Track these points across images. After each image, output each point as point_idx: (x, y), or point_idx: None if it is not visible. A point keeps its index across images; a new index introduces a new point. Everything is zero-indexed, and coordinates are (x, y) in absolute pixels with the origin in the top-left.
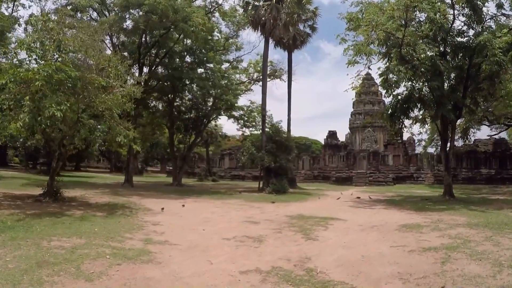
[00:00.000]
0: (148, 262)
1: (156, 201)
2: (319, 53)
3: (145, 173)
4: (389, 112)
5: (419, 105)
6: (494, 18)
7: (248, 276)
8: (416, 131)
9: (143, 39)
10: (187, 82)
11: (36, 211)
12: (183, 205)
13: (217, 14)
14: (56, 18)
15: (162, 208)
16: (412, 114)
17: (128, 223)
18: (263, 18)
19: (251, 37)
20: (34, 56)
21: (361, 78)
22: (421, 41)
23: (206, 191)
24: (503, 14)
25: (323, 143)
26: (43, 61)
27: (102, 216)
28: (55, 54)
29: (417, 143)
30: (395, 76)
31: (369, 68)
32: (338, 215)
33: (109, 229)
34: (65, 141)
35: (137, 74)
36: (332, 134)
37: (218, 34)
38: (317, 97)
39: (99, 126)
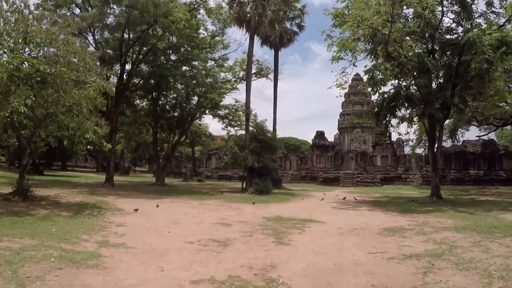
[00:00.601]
0: (93, 267)
1: (131, 201)
2: (309, 54)
3: (133, 173)
4: (375, 111)
5: (406, 104)
6: (483, 15)
7: (198, 287)
8: (403, 131)
9: (126, 35)
10: (171, 80)
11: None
12: (157, 206)
13: (203, 12)
14: (24, 9)
15: (136, 209)
16: (399, 114)
17: (90, 224)
18: (248, 15)
19: (237, 35)
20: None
21: (351, 79)
22: (408, 37)
23: (188, 191)
24: (493, 12)
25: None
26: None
27: (66, 216)
28: (26, 47)
29: (405, 144)
30: (381, 74)
31: (354, 65)
32: (318, 217)
33: (67, 229)
34: (35, 137)
35: (119, 71)
36: (320, 135)
37: (204, 32)
38: (307, 98)
39: (65, 122)
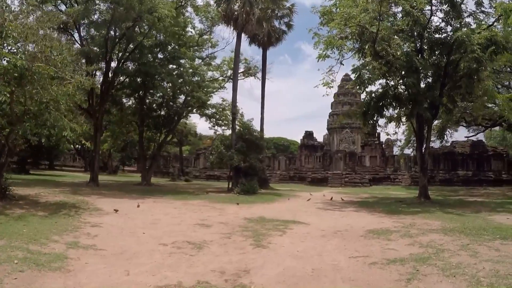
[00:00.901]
0: (56, 269)
1: (113, 201)
2: (300, 54)
3: (121, 173)
4: (362, 110)
5: (394, 103)
6: (473, 15)
7: None
8: (392, 131)
9: (112, 32)
10: (158, 78)
11: None
12: (138, 206)
13: (191, 10)
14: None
15: (116, 210)
16: (387, 113)
17: (64, 224)
18: (235, 13)
19: (224, 33)
20: None
21: (340, 79)
22: (396, 36)
23: (173, 191)
24: (482, 12)
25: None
26: None
27: (42, 216)
28: (4, 42)
29: (394, 144)
30: (368, 73)
31: (341, 63)
32: (302, 219)
33: (39, 230)
34: (14, 135)
35: (104, 69)
36: (308, 135)
37: (192, 30)
38: (297, 98)
39: (42, 119)
